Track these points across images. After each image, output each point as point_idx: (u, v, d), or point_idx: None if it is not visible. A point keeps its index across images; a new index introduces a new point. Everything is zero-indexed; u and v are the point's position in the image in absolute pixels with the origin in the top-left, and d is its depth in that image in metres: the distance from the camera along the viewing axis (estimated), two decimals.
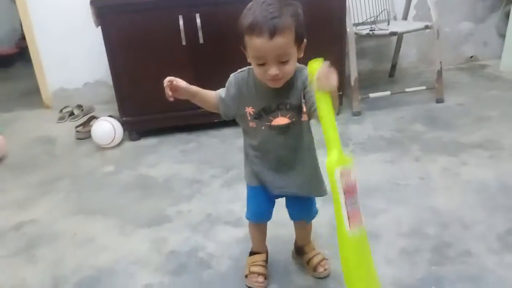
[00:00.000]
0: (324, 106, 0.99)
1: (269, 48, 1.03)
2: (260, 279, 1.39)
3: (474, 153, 2.12)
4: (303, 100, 1.17)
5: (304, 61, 1.09)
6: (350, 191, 0.95)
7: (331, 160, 0.97)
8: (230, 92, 1.22)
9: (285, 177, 1.27)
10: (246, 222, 1.44)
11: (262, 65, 1.08)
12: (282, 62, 1.06)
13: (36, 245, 1.71)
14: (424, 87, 2.85)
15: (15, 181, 2.25)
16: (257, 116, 1.20)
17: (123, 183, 2.13)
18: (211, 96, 1.24)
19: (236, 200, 1.86)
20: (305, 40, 1.11)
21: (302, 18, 1.09)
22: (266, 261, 1.46)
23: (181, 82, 1.17)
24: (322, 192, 1.31)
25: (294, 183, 1.27)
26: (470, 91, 2.99)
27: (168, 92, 1.16)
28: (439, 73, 2.79)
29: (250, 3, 1.08)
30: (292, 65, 1.09)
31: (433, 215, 1.68)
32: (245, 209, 1.40)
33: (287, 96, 1.17)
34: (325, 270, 1.41)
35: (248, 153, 1.30)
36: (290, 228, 1.47)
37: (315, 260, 1.42)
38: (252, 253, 1.46)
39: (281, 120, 1.19)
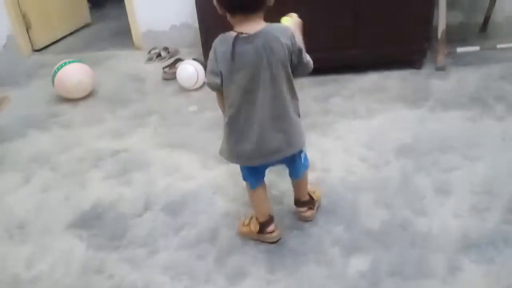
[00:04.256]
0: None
1: None
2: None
3: None
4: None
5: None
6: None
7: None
8: None
9: None
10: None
11: None
12: None
13: (130, 169, 1.94)
14: None
15: (110, 113, 2.49)
16: None
17: (205, 122, 2.28)
18: None
19: (310, 148, 1.93)
20: None
21: None
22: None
23: None
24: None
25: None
26: None
27: None
28: None
29: None
30: None
31: (510, 176, 1.66)
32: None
33: None
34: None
35: None
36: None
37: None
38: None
39: None
